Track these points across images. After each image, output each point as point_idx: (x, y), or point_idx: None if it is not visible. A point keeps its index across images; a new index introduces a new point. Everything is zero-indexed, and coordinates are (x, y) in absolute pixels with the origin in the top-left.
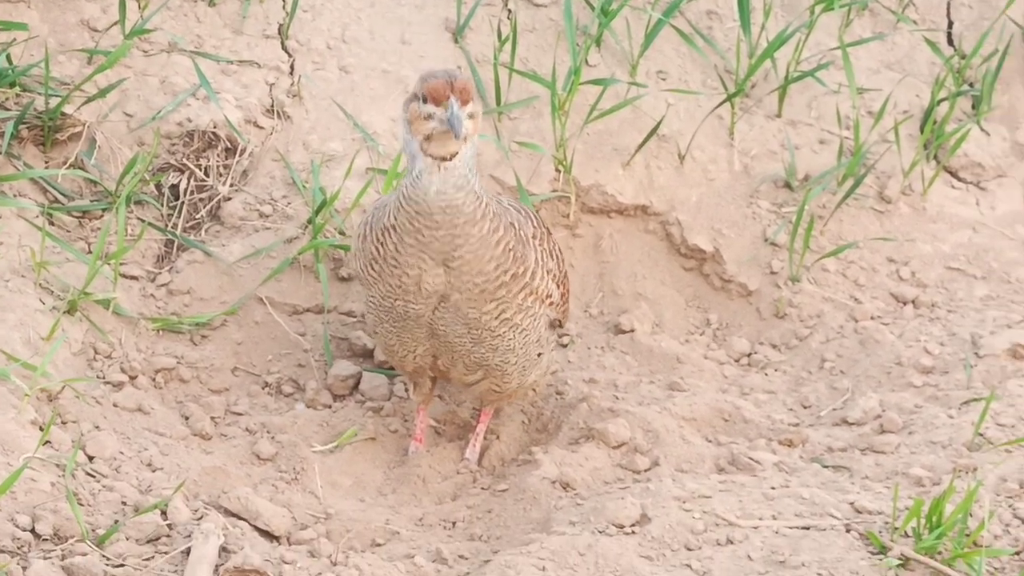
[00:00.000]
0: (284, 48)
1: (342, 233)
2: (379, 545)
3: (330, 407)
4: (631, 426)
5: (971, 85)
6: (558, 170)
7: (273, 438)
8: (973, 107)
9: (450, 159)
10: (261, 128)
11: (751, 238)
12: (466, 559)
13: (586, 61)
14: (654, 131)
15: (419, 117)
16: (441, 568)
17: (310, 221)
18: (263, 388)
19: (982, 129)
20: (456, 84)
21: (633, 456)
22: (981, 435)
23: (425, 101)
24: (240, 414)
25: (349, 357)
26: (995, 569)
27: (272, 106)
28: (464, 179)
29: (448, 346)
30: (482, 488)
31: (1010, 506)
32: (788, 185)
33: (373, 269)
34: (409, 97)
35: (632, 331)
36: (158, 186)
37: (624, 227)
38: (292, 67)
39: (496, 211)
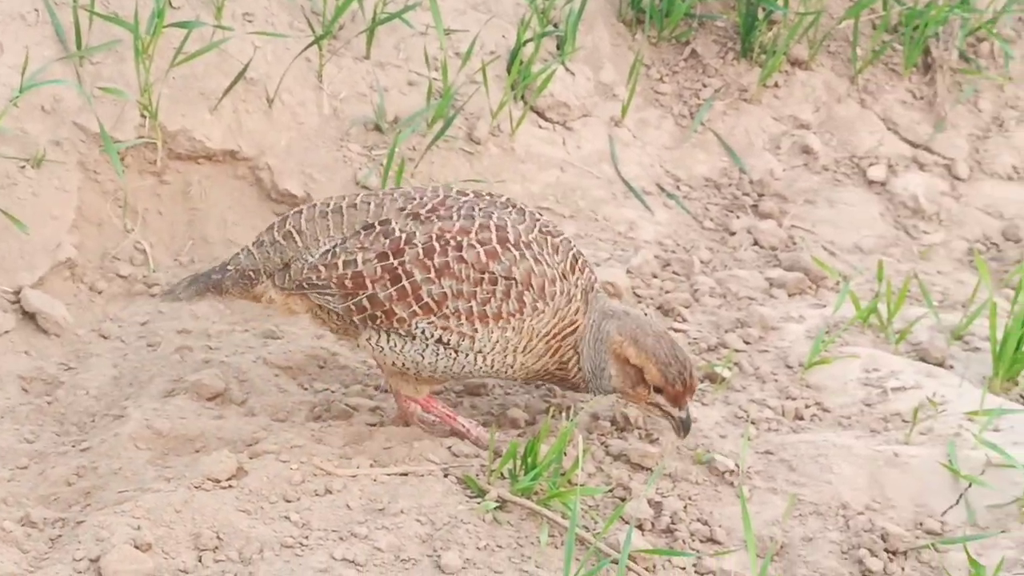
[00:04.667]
0: None
1: None
2: None
3: None
4: (225, 376)
5: (555, 26)
6: (143, 116)
7: None
8: (558, 48)
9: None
10: None
11: (342, 182)
12: (58, 522)
13: (170, 3)
14: (241, 75)
15: (643, 401)
16: (31, 532)
17: None
18: None
19: (567, 69)
20: (695, 385)
21: (227, 407)
22: None
23: (658, 391)
24: None
25: None
26: (589, 507)
27: None
28: None
29: None
30: (72, 446)
31: (603, 444)
32: (378, 127)
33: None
34: (628, 366)
35: None
36: None
37: (213, 173)
38: None
39: None
